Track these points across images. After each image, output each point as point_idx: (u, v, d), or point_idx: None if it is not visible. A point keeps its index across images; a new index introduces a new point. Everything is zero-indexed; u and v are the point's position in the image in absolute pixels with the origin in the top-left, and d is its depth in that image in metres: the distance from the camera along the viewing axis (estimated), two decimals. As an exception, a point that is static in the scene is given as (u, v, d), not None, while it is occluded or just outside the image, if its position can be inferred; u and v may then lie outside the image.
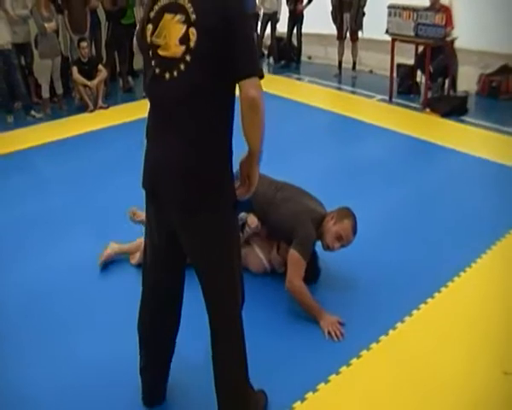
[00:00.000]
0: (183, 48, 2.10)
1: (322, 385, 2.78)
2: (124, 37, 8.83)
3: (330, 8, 9.76)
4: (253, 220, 3.63)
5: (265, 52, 11.88)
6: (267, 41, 11.56)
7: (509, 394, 2.71)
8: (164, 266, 2.46)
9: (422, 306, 3.39)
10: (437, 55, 7.70)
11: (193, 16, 2.09)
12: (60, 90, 8.42)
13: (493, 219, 4.38)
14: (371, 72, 10.03)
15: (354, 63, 9.88)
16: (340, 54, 9.95)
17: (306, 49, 11.24)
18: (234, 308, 2.39)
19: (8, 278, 3.87)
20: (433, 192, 4.96)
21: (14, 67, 7.74)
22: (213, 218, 2.24)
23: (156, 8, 2.18)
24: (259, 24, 10.76)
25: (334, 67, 10.09)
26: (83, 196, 5.02)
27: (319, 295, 3.48)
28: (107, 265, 3.92)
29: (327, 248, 3.54)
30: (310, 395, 2.73)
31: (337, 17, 9.69)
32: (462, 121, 7.03)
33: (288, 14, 10.68)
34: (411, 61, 8.46)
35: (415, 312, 3.33)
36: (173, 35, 2.12)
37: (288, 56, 11.01)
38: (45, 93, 8.22)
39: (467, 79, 8.21)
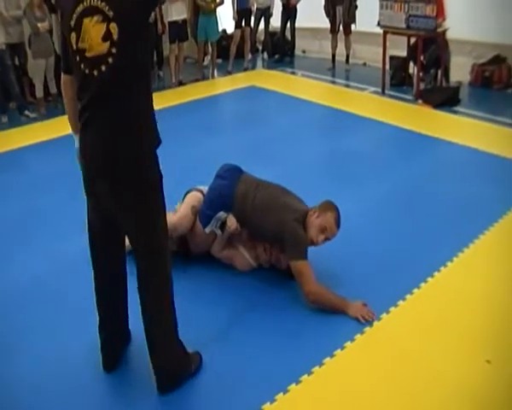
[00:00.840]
0: (107, 44, 2.30)
1: (305, 377, 2.79)
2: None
3: (323, 1, 9.77)
4: (232, 222, 3.60)
5: (259, 47, 11.89)
6: (261, 36, 11.58)
7: (492, 381, 2.73)
8: (104, 243, 2.73)
9: (408, 296, 3.40)
10: (429, 46, 7.72)
11: (110, 13, 2.28)
12: (54, 90, 8.42)
13: (484, 208, 4.39)
14: (365, 64, 10.05)
15: (348, 56, 9.89)
16: (334, 47, 9.97)
17: (300, 44, 11.28)
18: (159, 266, 2.63)
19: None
20: (424, 183, 4.98)
21: (7, 68, 7.75)
22: (139, 189, 2.47)
23: (74, 16, 2.34)
24: (253, 19, 10.78)
25: (328, 61, 10.11)
26: (77, 195, 4.99)
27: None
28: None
29: (311, 243, 3.50)
30: (293, 386, 2.74)
31: (330, 10, 9.70)
32: (455, 112, 7.06)
33: (281, 9, 10.69)
34: (404, 53, 8.47)
35: (400, 302, 3.34)
36: (95, 35, 2.30)
37: (281, 51, 11.03)
38: (39, 93, 8.22)
39: (460, 70, 8.22)
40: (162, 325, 2.68)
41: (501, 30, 7.86)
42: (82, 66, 2.35)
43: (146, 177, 2.48)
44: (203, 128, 6.80)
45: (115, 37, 2.28)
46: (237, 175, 3.78)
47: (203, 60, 10.05)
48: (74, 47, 2.36)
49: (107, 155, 2.42)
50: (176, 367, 2.75)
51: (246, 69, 10.23)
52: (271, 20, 11.00)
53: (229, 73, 9.97)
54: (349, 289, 3.46)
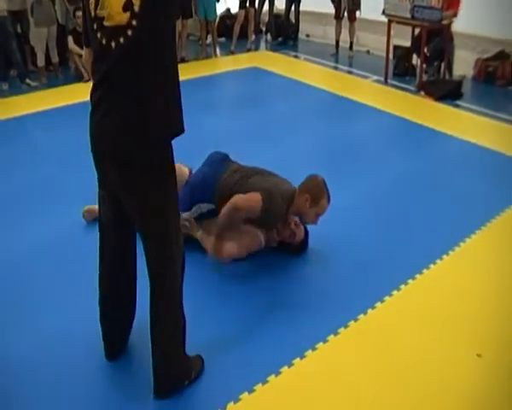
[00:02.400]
0: (127, 14, 2.14)
1: (285, 368, 2.79)
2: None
3: (328, -13, 9.71)
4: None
5: (263, 28, 11.83)
6: (265, 17, 11.51)
7: (482, 375, 2.76)
8: (113, 227, 2.58)
9: (402, 287, 3.41)
10: (433, 38, 7.69)
11: None
12: (55, 59, 8.38)
13: (482, 204, 4.41)
14: (368, 52, 10.02)
15: (351, 43, 9.86)
16: (338, 33, 9.92)
17: (305, 28, 11.21)
18: (172, 266, 2.48)
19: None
20: (423, 175, 4.98)
21: (9, 35, 7.71)
22: (149, 176, 2.31)
23: None
24: (257, 0, 10.72)
25: (331, 47, 10.07)
26: (76, 164, 4.98)
27: (300, 269, 3.59)
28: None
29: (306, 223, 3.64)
30: (272, 377, 2.74)
31: (335, -4, 9.66)
32: (457, 106, 7.04)
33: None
34: (408, 43, 8.44)
35: (394, 292, 3.36)
36: (115, 4, 2.16)
37: (285, 34, 10.97)
38: (41, 61, 8.18)
39: (463, 64, 8.20)
40: (169, 319, 2.54)
41: (506, 26, 7.84)
42: (99, 35, 2.21)
43: (159, 166, 2.32)
44: (202, 107, 6.75)
45: (136, 8, 2.12)
46: (224, 164, 3.78)
47: (206, 38, 9.99)
48: (92, 14, 2.23)
49: (118, 140, 2.25)
50: (175, 372, 2.61)
51: (249, 50, 10.17)
52: (276, 2, 10.93)
53: (232, 52, 9.91)
54: (344, 277, 3.52)
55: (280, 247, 3.76)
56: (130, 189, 2.34)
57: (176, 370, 2.61)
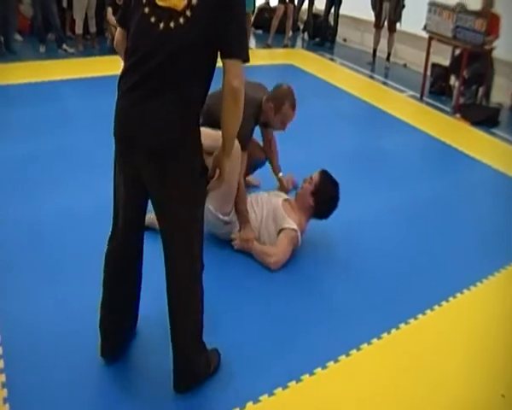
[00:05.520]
0: (185, 2, 2.10)
1: (306, 376, 2.76)
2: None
3: (370, -7, 9.67)
4: None
5: (301, 26, 11.78)
6: (303, 15, 11.46)
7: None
8: (127, 213, 2.47)
9: (420, 316, 3.32)
10: (472, 61, 7.61)
11: None
12: (93, 29, 8.37)
13: (508, 241, 4.29)
14: (405, 66, 9.95)
15: (389, 54, 9.79)
16: (376, 42, 9.85)
17: (342, 31, 11.14)
18: (191, 265, 2.42)
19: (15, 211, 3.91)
20: (450, 200, 4.90)
21: None
22: (179, 168, 2.25)
23: None
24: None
25: (368, 54, 10.02)
26: (104, 135, 4.96)
27: (320, 280, 3.57)
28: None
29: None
30: (293, 383, 2.72)
31: (376, 5, 9.59)
32: (493, 134, 6.95)
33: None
34: (447, 62, 8.39)
35: (412, 320, 3.27)
36: None
37: (323, 35, 10.91)
38: (79, 29, 8.19)
39: (502, 91, 8.12)
40: (188, 317, 2.49)
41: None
42: (147, 10, 2.14)
43: (194, 164, 2.28)
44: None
45: (194, 1, 2.09)
46: None
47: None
48: None
49: (159, 131, 2.17)
50: (197, 368, 2.58)
51: (285, 46, 10.13)
52: (316, 1, 10.87)
53: (269, 46, 9.87)
54: (369, 291, 3.50)
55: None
56: (162, 180, 2.25)
57: (196, 365, 2.58)
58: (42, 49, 7.84)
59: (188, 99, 2.19)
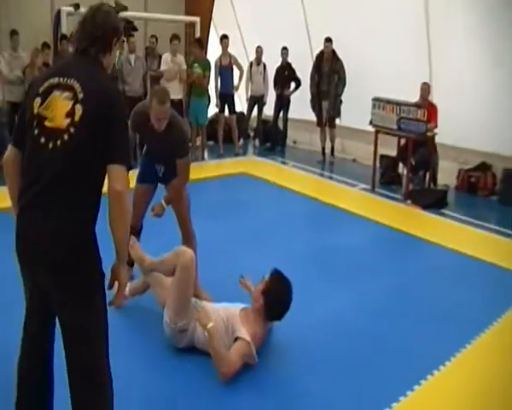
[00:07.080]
0: (68, 120, 2.30)
1: None
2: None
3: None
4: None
5: (251, 134, 12.12)
6: (253, 123, 11.80)
7: None
8: (35, 319, 2.54)
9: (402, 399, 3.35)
10: (418, 148, 7.95)
11: (80, 95, 2.32)
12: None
13: (471, 316, 4.39)
14: (354, 160, 10.28)
15: (332, 148, 10.20)
16: (322, 140, 10.26)
17: (292, 134, 11.51)
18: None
19: None
20: (412, 286, 4.99)
21: (1, 125, 8.37)
22: (75, 279, 2.34)
23: (46, 84, 2.38)
24: (246, 105, 11.06)
25: (317, 153, 10.37)
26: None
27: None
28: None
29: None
30: None
31: (316, 105, 10.04)
32: (443, 214, 7.18)
33: (275, 98, 10.99)
34: (394, 153, 8.71)
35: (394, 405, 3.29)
36: (60, 109, 2.32)
37: (273, 139, 11.25)
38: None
39: (447, 174, 8.45)
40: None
41: (486, 138, 8.13)
42: (36, 132, 2.33)
43: (90, 272, 2.38)
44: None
45: (76, 118, 2.29)
46: None
47: (195, 141, 10.18)
48: (35, 111, 2.36)
49: (54, 246, 2.29)
50: None
51: (237, 154, 10.35)
52: (264, 108, 11.26)
53: (221, 155, 10.11)
54: (343, 383, 3.49)
55: None
56: (60, 291, 2.35)
57: None
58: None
59: (78, 213, 2.33)
